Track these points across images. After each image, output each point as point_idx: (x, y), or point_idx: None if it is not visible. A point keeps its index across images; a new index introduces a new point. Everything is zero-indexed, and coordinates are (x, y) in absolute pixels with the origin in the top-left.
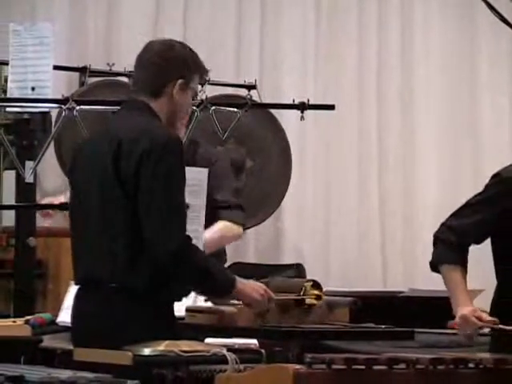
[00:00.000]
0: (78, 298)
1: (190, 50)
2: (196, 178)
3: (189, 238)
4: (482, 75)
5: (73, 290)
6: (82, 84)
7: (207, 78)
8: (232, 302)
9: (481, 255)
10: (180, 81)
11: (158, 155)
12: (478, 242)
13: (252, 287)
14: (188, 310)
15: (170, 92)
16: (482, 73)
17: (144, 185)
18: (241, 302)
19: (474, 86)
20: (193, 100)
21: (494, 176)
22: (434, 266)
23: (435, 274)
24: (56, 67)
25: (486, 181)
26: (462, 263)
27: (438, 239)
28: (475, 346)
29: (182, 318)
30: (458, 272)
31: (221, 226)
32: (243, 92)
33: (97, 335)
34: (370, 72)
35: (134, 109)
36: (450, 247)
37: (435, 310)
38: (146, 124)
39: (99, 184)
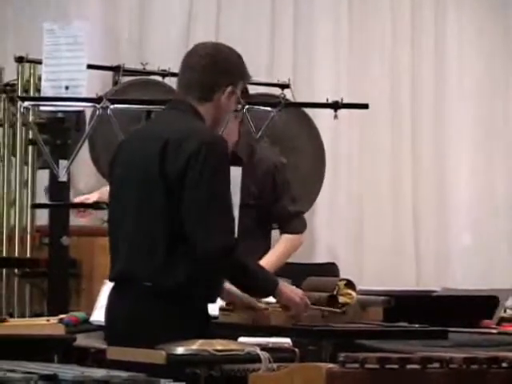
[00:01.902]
0: (113, 295)
1: (238, 55)
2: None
3: (235, 239)
4: None
5: (106, 288)
6: (115, 83)
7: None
8: (269, 301)
9: None
10: (229, 88)
11: (205, 156)
12: None
13: (293, 291)
14: (222, 309)
15: (219, 98)
16: None
17: (190, 185)
18: (279, 304)
19: (509, 85)
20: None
21: None
22: None
23: (468, 273)
24: (90, 66)
25: None
26: None
27: None
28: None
29: (215, 317)
30: None
31: (287, 244)
32: (277, 91)
33: (130, 334)
34: (403, 70)
35: (179, 109)
36: None
37: (468, 309)
38: (193, 125)
39: (140, 182)
